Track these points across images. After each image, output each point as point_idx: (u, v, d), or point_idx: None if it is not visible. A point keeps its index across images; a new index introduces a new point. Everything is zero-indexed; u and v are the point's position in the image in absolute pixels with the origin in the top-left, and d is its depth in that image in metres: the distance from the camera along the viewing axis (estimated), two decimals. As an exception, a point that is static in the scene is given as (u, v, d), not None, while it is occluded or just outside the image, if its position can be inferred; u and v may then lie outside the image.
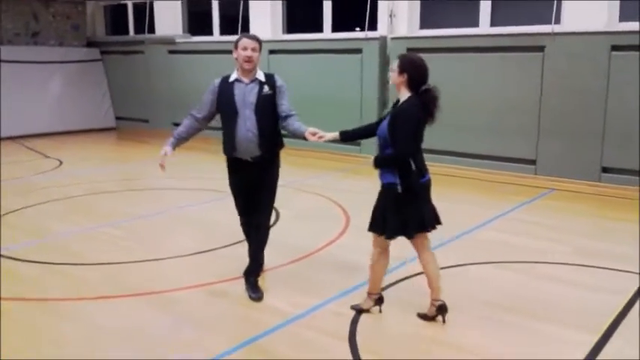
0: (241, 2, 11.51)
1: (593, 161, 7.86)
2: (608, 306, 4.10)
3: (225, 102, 4.21)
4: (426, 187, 3.78)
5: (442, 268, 4.73)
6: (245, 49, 4.11)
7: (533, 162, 8.36)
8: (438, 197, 7.45)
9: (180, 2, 13.08)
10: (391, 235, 3.79)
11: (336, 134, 4.02)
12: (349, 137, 4.11)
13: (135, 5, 14.12)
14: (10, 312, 4.02)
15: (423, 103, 3.60)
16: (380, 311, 4.00)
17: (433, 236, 5.51)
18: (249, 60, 4.11)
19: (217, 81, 4.30)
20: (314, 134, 4.01)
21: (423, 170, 3.72)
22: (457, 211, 6.75)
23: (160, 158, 4.34)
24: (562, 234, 5.87)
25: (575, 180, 7.94)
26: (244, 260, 4.83)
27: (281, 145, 4.39)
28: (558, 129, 8.07)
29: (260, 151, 4.18)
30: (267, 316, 3.93)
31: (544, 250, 5.32)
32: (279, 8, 11.33)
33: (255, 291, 4.29)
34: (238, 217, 4.53)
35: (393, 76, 3.68)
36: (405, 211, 3.68)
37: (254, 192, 4.29)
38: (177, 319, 3.90)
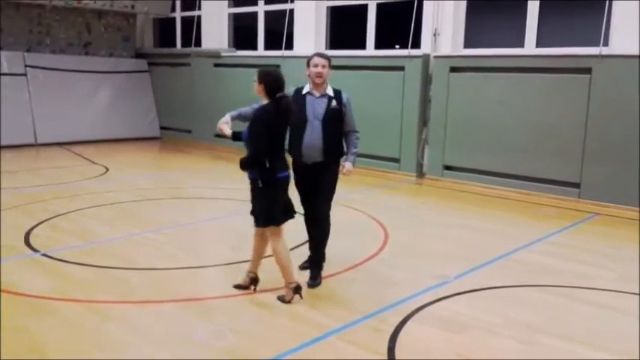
0: (286, 18, 11.71)
1: (638, 187, 7.69)
2: (652, 335, 4.01)
3: (297, 111, 4.56)
4: (285, 182, 4.28)
5: (482, 289, 4.76)
6: (316, 65, 4.58)
7: (577, 185, 8.23)
8: (481, 217, 7.41)
9: (226, 17, 13.38)
10: (264, 225, 4.32)
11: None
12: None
13: (183, 19, 14.49)
14: (58, 312, 4.17)
15: (278, 109, 4.16)
16: (254, 291, 4.50)
17: (473, 258, 5.53)
18: (319, 75, 4.59)
19: (291, 91, 4.66)
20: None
21: (279, 167, 4.21)
22: (499, 232, 6.71)
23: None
24: (605, 259, 5.76)
25: (619, 205, 7.77)
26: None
27: (342, 154, 4.79)
28: (604, 153, 7.93)
29: (322, 157, 4.61)
30: (307, 328, 3.98)
31: (586, 275, 5.23)
32: (323, 24, 11.49)
33: (313, 278, 4.69)
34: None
35: (254, 85, 4.25)
36: (267, 203, 4.23)
37: (314, 191, 4.70)
38: (218, 326, 3.97)
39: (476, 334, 3.96)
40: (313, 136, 4.58)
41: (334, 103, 4.63)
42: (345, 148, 4.80)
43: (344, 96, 4.71)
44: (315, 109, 4.61)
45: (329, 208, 4.80)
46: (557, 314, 4.38)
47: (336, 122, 4.66)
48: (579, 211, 7.81)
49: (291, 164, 4.72)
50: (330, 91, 4.68)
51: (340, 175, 4.78)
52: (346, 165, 4.74)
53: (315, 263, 4.79)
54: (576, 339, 3.94)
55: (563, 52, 8.38)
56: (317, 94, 4.63)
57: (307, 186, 4.74)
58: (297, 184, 4.78)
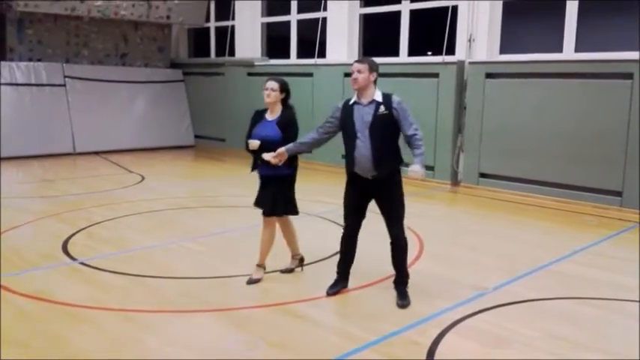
0: (319, 27, 11.72)
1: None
2: None
3: (346, 123, 4.45)
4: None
5: (522, 302, 4.63)
6: (352, 72, 4.42)
7: (619, 194, 7.98)
8: (519, 226, 7.21)
9: (259, 26, 13.47)
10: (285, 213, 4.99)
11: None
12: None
13: (217, 29, 14.65)
14: (94, 320, 4.20)
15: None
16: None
17: (512, 269, 5.39)
18: (354, 82, 4.39)
19: (340, 103, 4.57)
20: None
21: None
22: (537, 242, 6.54)
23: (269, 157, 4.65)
24: (650, 271, 5.56)
25: (664, 214, 7.52)
26: (321, 281, 4.87)
27: (399, 164, 4.50)
28: (647, 160, 7.69)
29: (376, 170, 4.36)
30: (342, 340, 3.92)
31: (629, 287, 5.04)
32: (355, 32, 11.46)
33: (401, 298, 4.52)
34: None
35: (276, 94, 4.78)
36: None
37: (378, 207, 4.54)
38: (253, 337, 3.94)
39: (515, 349, 3.84)
40: (365, 146, 4.32)
41: (382, 108, 4.34)
42: (401, 157, 4.50)
43: (394, 99, 4.40)
44: (364, 117, 4.35)
45: (403, 229, 4.59)
46: (598, 328, 4.23)
47: (387, 129, 4.36)
48: (621, 221, 7.56)
49: (347, 176, 4.59)
50: (378, 97, 4.40)
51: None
52: (411, 168, 4.28)
53: (400, 281, 4.63)
54: (619, 354, 3.79)
55: (604, 56, 8.18)
56: (364, 102, 4.39)
57: (359, 201, 4.52)
58: (347, 196, 4.57)
